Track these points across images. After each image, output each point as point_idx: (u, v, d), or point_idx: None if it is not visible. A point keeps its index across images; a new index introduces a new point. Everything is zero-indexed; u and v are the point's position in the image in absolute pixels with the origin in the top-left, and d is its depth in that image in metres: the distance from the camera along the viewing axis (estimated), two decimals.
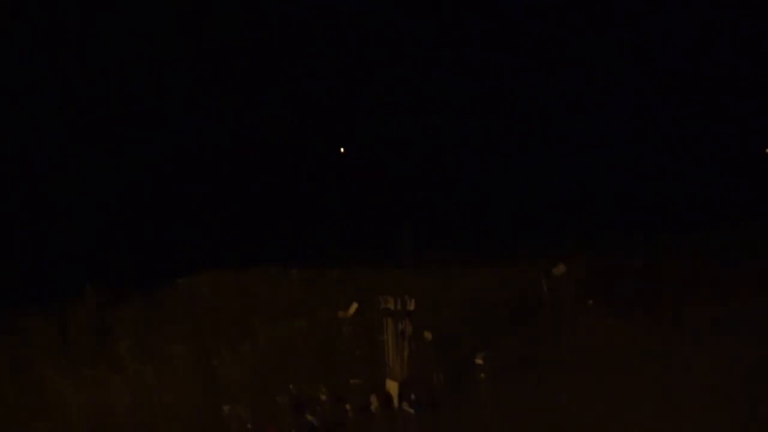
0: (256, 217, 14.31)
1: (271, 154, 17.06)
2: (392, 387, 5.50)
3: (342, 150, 20.45)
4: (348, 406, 5.34)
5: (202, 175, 14.85)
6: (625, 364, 6.40)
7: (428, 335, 7.00)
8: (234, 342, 7.06)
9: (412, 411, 5.33)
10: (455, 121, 18.27)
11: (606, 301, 8.44)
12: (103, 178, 13.73)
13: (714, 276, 9.40)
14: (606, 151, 16.96)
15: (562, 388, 5.79)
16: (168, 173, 14.52)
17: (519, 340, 7.03)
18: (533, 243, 11.66)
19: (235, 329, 7.60)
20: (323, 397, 5.54)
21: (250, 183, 15.63)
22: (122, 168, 14.16)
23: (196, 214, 13.90)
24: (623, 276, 9.60)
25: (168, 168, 14.65)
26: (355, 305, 8.09)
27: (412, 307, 5.53)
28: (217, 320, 7.99)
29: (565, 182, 15.82)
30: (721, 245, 10.98)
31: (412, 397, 5.39)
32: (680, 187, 15.05)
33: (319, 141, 18.43)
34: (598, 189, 15.13)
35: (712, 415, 5.08)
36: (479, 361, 6.19)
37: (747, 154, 16.77)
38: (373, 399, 5.40)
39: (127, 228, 13.03)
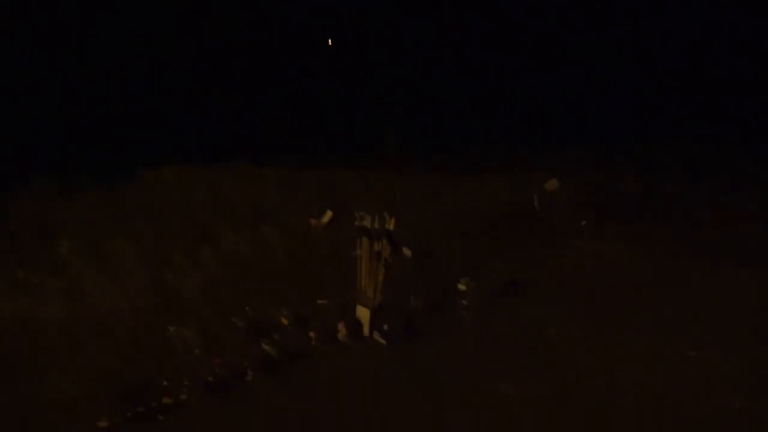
0: (230, 109, 13.04)
1: (249, 41, 15.44)
2: (363, 314, 4.81)
3: (330, 42, 18.77)
4: (312, 334, 4.66)
5: (171, 57, 13.30)
6: (619, 290, 5.84)
7: (407, 252, 6.28)
8: (191, 249, 6.26)
9: (383, 342, 4.69)
10: (447, 21, 16.67)
11: (600, 221, 7.78)
12: (59, 54, 12.16)
13: (716, 196, 8.75)
14: (604, 59, 15.71)
15: (551, 317, 5.21)
16: (133, 52, 12.95)
17: (506, 262, 6.36)
18: (525, 155, 10.78)
19: (194, 234, 6.78)
20: (284, 321, 4.86)
21: (224, 70, 14.14)
22: (82, 45, 12.55)
23: (163, 102, 12.58)
24: (619, 195, 8.88)
25: (134, 47, 13.06)
26: (329, 213, 7.30)
27: (391, 226, 4.71)
28: (175, 222, 7.14)
29: (561, 91, 14.66)
30: (725, 165, 10.25)
31: (385, 327, 4.72)
32: (681, 100, 14.02)
33: (303, 31, 16.76)
34: (596, 98, 14.02)
35: (712, 344, 4.67)
36: (462, 287, 5.52)
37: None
38: (341, 327, 4.73)
39: (85, 112, 11.73)
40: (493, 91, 14.75)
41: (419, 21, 16.22)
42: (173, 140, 11.68)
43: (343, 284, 5.39)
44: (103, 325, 4.75)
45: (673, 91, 14.64)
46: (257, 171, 9.84)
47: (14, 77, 11.90)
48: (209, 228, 7.04)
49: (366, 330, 4.77)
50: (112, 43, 13.51)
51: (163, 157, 10.44)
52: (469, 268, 6.02)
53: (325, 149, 10.93)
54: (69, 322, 4.82)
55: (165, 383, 4.01)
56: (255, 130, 12.15)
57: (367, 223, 4.76)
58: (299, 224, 7.38)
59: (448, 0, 16.46)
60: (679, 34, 16.25)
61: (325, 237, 6.93)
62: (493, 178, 9.21)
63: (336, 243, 6.58)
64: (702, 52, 15.58)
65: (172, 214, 7.55)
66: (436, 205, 7.86)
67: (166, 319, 4.81)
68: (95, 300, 5.16)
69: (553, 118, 13.34)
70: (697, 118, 12.97)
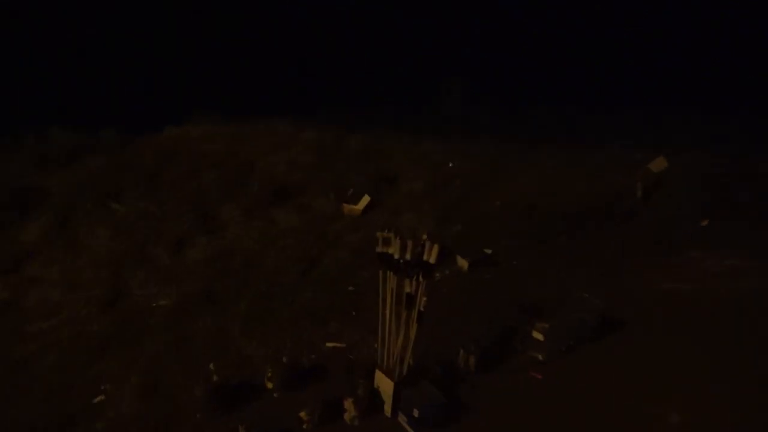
0: (272, 59, 11.09)
1: None
2: (384, 385, 3.03)
3: None
4: (303, 414, 2.92)
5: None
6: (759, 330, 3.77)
7: (463, 264, 4.40)
8: (181, 242, 4.65)
9: (410, 430, 2.90)
10: None
11: (727, 219, 5.51)
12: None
13: None
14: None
15: (664, 389, 3.26)
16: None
17: (597, 284, 4.33)
18: (618, 123, 8.36)
19: (194, 218, 5.17)
20: (268, 385, 3.14)
21: (264, 17, 12.07)
22: None
23: (199, 50, 10.84)
24: (757, 183, 6.38)
25: None
26: (366, 198, 5.46)
27: (432, 258, 2.81)
28: (177, 200, 5.55)
29: (664, 39, 11.64)
30: None
31: (415, 411, 2.91)
32: None
33: None
34: (711, 48, 10.95)
35: None
36: (538, 335, 3.57)
37: None
38: (349, 404, 2.96)
39: (109, 55, 10.23)
40: (580, 38, 11.92)
41: None
42: (207, 91, 10.07)
43: (367, 313, 3.61)
44: (15, 364, 3.22)
45: None
46: (294, 131, 8.06)
47: (33, 21, 10.49)
48: (215, 209, 5.42)
49: (387, 409, 2.99)
50: None
51: (193, 110, 8.87)
52: (545, 294, 4.07)
53: (376, 108, 8.96)
54: None
55: None
56: (298, 83, 10.28)
57: (393, 249, 2.88)
58: (327, 206, 5.61)
59: None
60: None
61: (355, 231, 5.11)
62: (579, 152, 6.96)
63: (367, 241, 4.75)
64: None
65: (179, 187, 5.96)
66: (504, 190, 5.82)
67: (100, 366, 3.21)
68: (25, 322, 3.65)
69: (655, 73, 10.54)
70: None
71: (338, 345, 3.53)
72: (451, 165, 5.45)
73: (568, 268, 4.55)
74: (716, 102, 8.96)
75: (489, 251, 4.65)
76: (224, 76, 10.35)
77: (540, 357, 3.48)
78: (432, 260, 2.84)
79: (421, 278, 2.87)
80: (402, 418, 2.95)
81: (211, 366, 3.15)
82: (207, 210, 5.37)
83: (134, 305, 3.82)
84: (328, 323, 3.71)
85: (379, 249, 2.93)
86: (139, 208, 5.29)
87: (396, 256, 2.87)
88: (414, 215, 5.24)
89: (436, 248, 2.82)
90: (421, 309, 2.86)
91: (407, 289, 2.90)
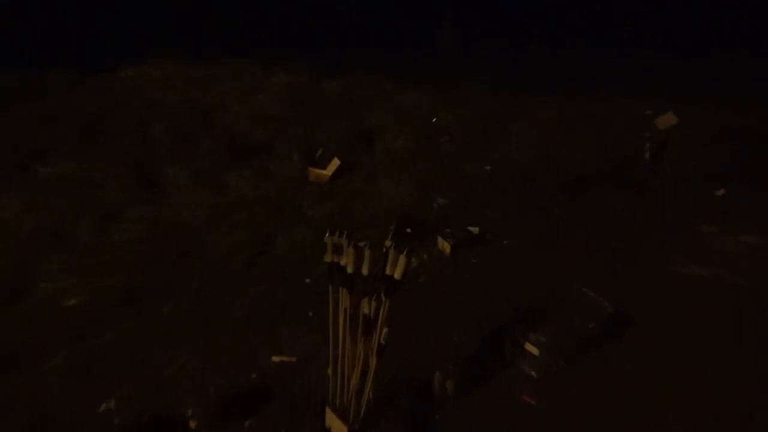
0: None
1: None
2: (336, 428, 2.30)
3: None
4: None
5: None
6: None
7: (445, 246, 3.65)
8: (112, 213, 3.80)
9: None
10: None
11: (746, 185, 4.81)
12: None
13: None
14: None
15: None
16: None
17: (597, 265, 3.62)
18: (623, 71, 7.43)
19: (132, 181, 4.29)
20: (191, 424, 2.41)
21: None
22: None
23: None
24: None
25: None
26: (336, 162, 4.59)
27: (397, 272, 2.00)
28: (119, 153, 4.65)
29: None
30: None
31: None
32: None
33: None
34: None
35: None
36: (532, 349, 2.85)
37: None
38: None
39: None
40: None
41: None
42: (171, 27, 8.86)
43: (327, 315, 2.84)
44: None
45: None
46: (263, 75, 7.03)
47: None
48: (159, 170, 4.53)
49: None
50: None
51: (154, 49, 7.73)
52: (541, 287, 3.32)
53: (357, 51, 7.88)
54: None
55: None
56: (269, 20, 9.06)
57: (347, 259, 2.07)
58: (291, 170, 4.74)
59: None
60: None
61: (321, 202, 4.28)
62: (582, 105, 6.06)
63: (333, 216, 3.94)
64: None
65: (119, 143, 5.03)
66: (497, 151, 4.96)
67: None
68: None
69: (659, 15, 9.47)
70: None
71: (287, 359, 2.79)
72: (434, 120, 4.59)
73: (568, 250, 3.79)
74: (732, 45, 7.99)
75: (475, 230, 3.86)
76: (191, 9, 9.09)
77: (534, 374, 2.77)
78: (397, 275, 2.04)
79: (383, 297, 2.08)
80: None
81: (111, 404, 2.40)
82: (147, 174, 4.48)
83: (37, 304, 3.02)
84: (277, 328, 2.95)
85: (327, 258, 2.12)
86: (66, 171, 4.39)
87: (350, 270, 2.07)
88: (392, 182, 4.42)
89: (402, 260, 2.02)
90: (383, 342, 2.08)
91: (365, 310, 2.12)
